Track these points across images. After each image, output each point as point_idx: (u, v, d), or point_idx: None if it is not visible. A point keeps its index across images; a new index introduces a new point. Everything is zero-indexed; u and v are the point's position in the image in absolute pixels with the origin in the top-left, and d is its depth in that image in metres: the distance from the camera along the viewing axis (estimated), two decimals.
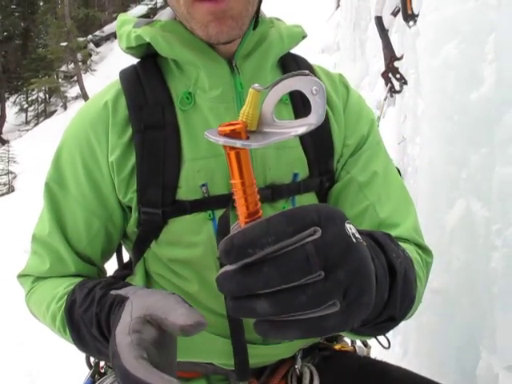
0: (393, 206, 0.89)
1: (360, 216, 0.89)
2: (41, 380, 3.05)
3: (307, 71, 0.46)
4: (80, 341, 0.78)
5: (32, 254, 0.94)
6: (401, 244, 0.74)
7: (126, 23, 0.92)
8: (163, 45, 0.85)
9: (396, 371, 0.94)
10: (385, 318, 0.61)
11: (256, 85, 0.46)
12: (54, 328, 0.86)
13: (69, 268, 0.89)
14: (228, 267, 0.45)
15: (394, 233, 0.84)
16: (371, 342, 1.05)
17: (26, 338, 3.56)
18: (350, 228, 0.49)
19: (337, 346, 1.03)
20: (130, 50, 0.91)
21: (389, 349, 0.75)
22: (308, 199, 0.88)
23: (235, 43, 0.86)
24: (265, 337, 0.48)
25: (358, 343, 1.05)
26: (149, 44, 0.87)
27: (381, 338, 0.84)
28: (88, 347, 0.78)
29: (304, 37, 0.96)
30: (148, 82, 0.88)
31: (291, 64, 0.94)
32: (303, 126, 0.46)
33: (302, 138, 0.88)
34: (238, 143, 0.45)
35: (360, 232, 0.51)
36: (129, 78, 0.90)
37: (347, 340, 1.06)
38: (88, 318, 0.74)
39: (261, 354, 0.88)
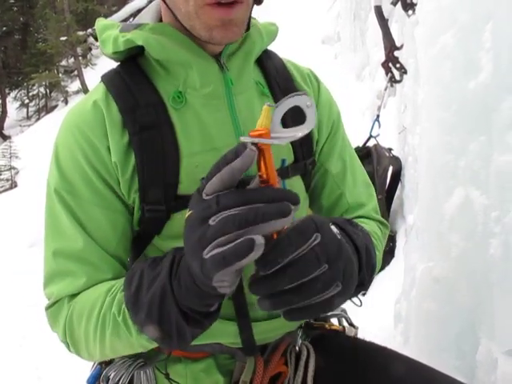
0: (359, 191, 1.05)
1: (335, 204, 1.04)
2: (47, 375, 3.07)
3: (303, 91, 0.62)
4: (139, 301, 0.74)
5: (54, 277, 0.88)
6: (364, 221, 0.99)
7: (109, 28, 0.94)
8: (156, 47, 0.87)
9: (384, 351, 1.00)
10: (357, 283, 0.75)
11: (268, 103, 0.61)
12: (104, 323, 0.80)
13: (106, 274, 0.86)
14: (256, 275, 0.60)
15: (360, 212, 1.03)
16: (365, 324, 1.06)
17: (29, 332, 3.58)
18: (334, 228, 0.66)
19: (327, 325, 1.09)
20: (114, 54, 0.92)
21: (361, 306, 0.92)
22: (296, 182, 0.96)
23: None
24: (295, 320, 0.65)
25: (346, 323, 1.11)
26: (133, 47, 0.89)
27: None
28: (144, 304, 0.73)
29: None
30: (135, 84, 0.89)
31: (266, 60, 1.00)
32: (302, 130, 0.61)
33: (285, 126, 0.92)
34: (270, 141, 0.60)
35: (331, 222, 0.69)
36: (114, 82, 0.90)
37: (334, 321, 1.13)
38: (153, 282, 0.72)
39: (264, 330, 0.93)
